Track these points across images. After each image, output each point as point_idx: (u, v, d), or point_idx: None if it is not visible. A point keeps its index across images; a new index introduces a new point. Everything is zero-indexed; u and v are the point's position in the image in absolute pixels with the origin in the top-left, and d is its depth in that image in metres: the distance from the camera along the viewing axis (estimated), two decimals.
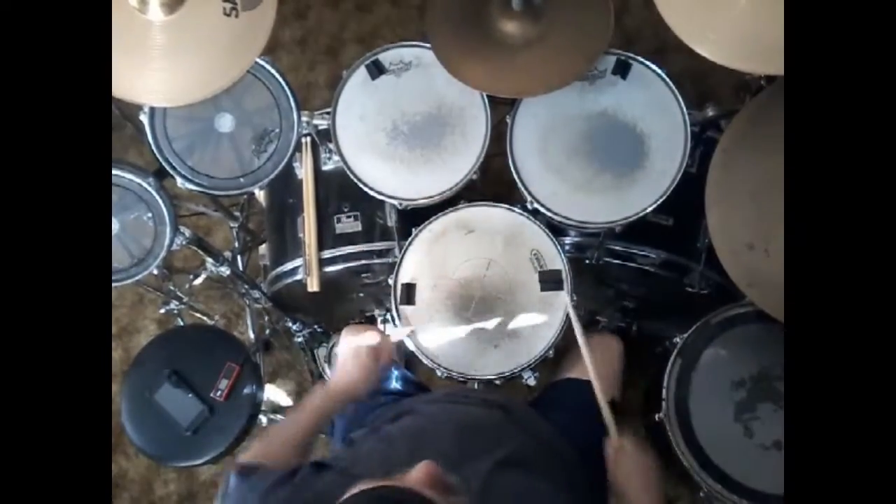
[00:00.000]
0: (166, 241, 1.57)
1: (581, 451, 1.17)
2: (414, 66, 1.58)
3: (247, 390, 1.67)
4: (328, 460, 0.95)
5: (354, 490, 0.66)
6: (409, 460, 0.70)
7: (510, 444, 1.00)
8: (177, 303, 1.96)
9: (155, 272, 1.60)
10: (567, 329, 1.41)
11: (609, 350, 1.51)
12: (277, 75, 1.57)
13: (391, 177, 1.53)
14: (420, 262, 1.49)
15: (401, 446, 0.99)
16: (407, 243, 1.51)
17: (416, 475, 0.68)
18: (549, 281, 1.43)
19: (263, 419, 1.82)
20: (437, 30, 1.49)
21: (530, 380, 1.43)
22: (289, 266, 1.73)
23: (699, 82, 2.17)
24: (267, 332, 2.15)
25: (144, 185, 1.59)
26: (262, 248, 1.92)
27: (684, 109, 1.48)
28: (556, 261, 1.46)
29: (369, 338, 1.24)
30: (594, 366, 1.20)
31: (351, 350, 1.22)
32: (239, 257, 2.10)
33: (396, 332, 1.40)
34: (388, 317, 1.89)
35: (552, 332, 1.41)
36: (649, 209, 1.44)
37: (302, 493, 0.88)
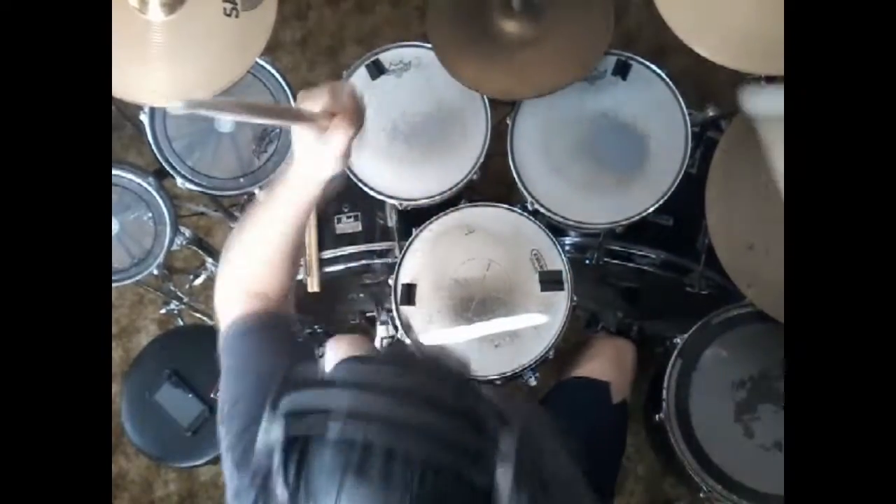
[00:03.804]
0: (166, 241, 1.57)
1: (587, 445, 1.17)
2: (414, 67, 1.58)
3: None
4: None
5: None
6: None
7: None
8: (177, 303, 1.96)
9: (155, 272, 1.60)
10: (568, 330, 1.41)
11: (625, 355, 1.51)
12: (277, 75, 1.57)
13: (391, 177, 1.53)
14: (420, 262, 1.49)
15: None
16: (407, 243, 1.51)
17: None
18: (549, 281, 1.43)
19: None
20: (438, 30, 1.48)
21: (531, 380, 1.44)
22: None
23: (699, 82, 2.17)
24: None
25: (144, 185, 1.59)
26: None
27: (684, 110, 1.48)
28: (557, 261, 1.46)
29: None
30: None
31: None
32: None
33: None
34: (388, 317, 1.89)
35: (552, 333, 1.41)
36: (650, 210, 1.44)
37: None
